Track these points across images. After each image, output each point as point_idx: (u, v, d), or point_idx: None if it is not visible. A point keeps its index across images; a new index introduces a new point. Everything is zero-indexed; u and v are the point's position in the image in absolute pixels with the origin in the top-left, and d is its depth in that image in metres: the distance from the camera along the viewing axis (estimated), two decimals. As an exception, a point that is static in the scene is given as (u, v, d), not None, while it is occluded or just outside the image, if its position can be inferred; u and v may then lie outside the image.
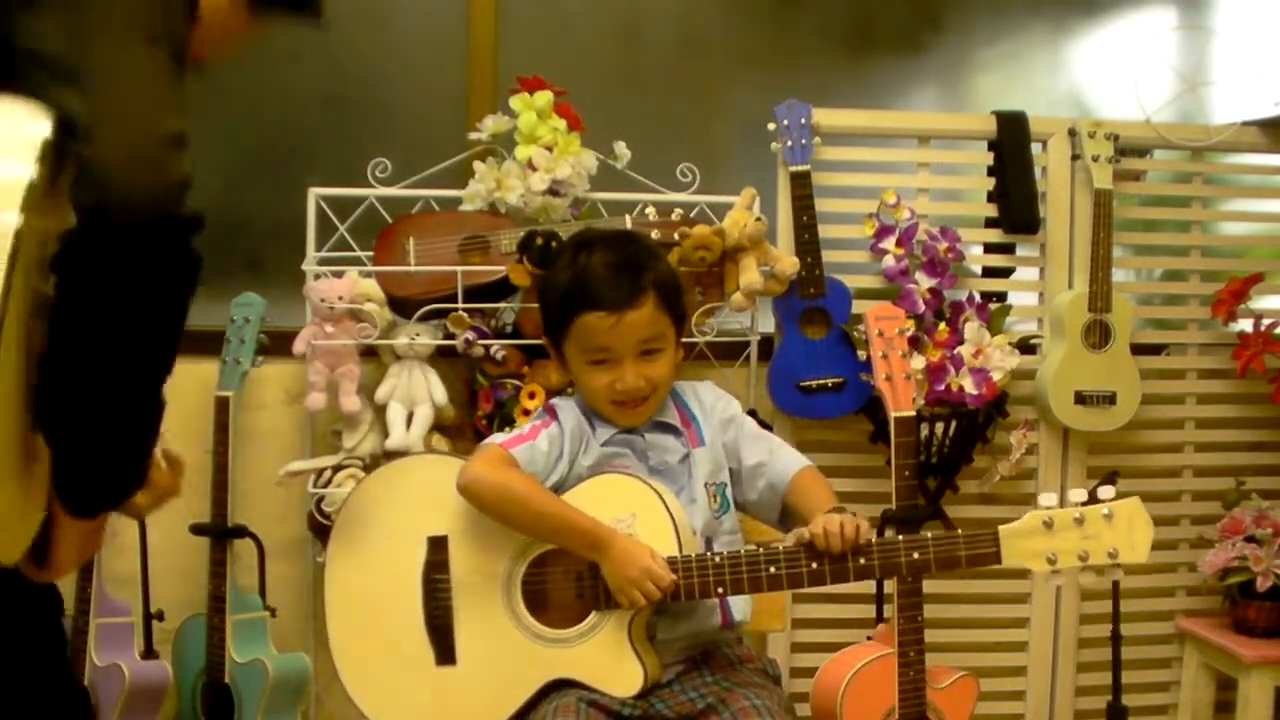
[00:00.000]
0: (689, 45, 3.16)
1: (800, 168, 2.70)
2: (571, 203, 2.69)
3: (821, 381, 2.69)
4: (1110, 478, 2.39)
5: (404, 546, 1.83)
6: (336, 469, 2.55)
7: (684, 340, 1.97)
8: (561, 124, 2.65)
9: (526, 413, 2.54)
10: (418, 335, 2.62)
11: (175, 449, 1.52)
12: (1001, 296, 2.86)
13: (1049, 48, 3.33)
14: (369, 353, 2.66)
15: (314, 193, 2.70)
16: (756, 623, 1.97)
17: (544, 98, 2.65)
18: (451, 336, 2.61)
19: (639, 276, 1.83)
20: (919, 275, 2.72)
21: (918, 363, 2.60)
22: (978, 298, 2.75)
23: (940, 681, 2.30)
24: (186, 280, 1.22)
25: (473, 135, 2.72)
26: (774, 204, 2.75)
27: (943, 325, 2.68)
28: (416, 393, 2.60)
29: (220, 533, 2.58)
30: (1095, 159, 2.77)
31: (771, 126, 2.72)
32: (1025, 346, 2.80)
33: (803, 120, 2.71)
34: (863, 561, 1.72)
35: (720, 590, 1.74)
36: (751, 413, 2.44)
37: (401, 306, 2.62)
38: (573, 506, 1.77)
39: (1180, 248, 2.99)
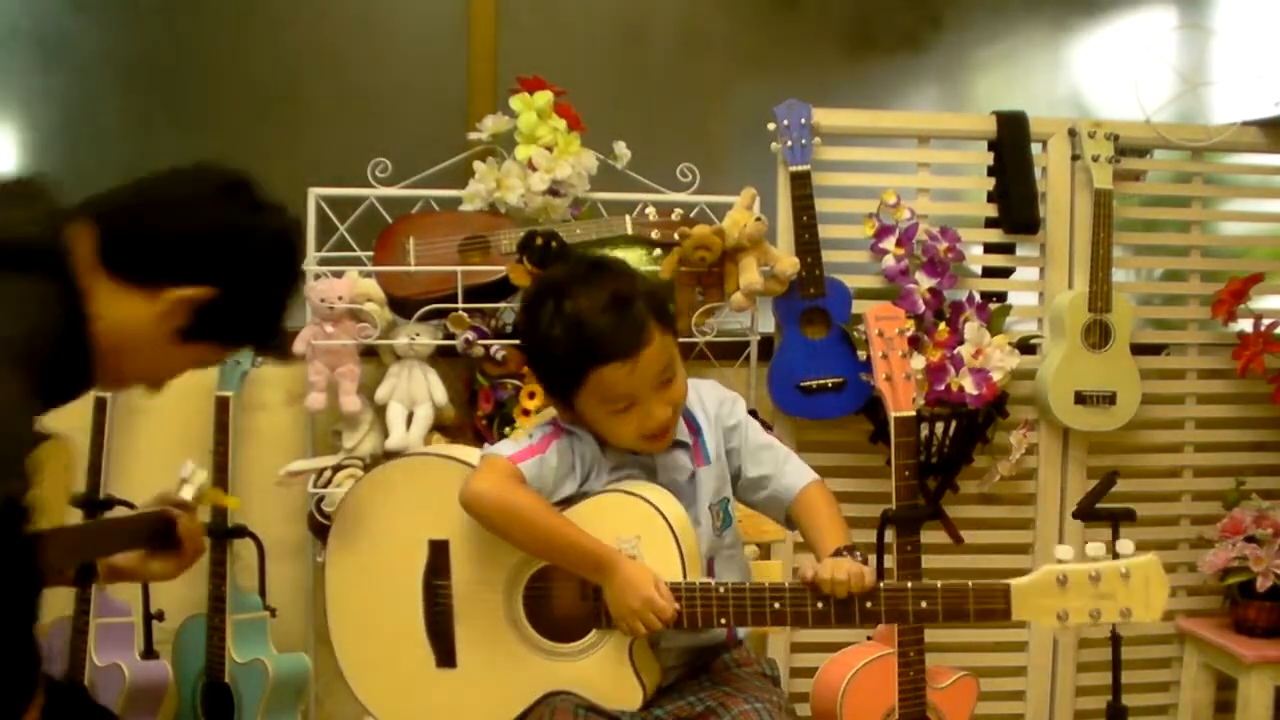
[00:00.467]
0: (689, 45, 3.17)
1: (800, 168, 2.70)
2: (571, 203, 2.69)
3: (821, 381, 2.69)
4: (1110, 478, 2.41)
5: (404, 548, 1.82)
6: (336, 469, 2.54)
7: (684, 340, 1.93)
8: (561, 124, 2.65)
9: (526, 413, 2.54)
10: (418, 335, 2.62)
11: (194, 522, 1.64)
12: (1001, 296, 2.86)
13: (1049, 47, 3.33)
14: (369, 353, 2.66)
15: (314, 193, 2.69)
16: (757, 624, 1.96)
17: (544, 98, 2.65)
18: (451, 336, 2.61)
19: (634, 310, 1.70)
20: (919, 275, 2.72)
21: (918, 363, 2.60)
22: (978, 298, 2.75)
23: (940, 681, 2.30)
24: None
25: (473, 135, 2.73)
26: (774, 204, 2.75)
27: (943, 325, 2.68)
28: (416, 393, 2.60)
29: (220, 533, 2.58)
30: (1095, 159, 2.77)
31: (771, 126, 2.72)
32: (1025, 346, 2.80)
33: (803, 120, 2.71)
34: (869, 606, 1.68)
35: (723, 621, 1.71)
36: (752, 413, 2.43)
37: (401, 306, 2.62)
38: (577, 527, 1.72)
39: (1180, 248, 2.99)
